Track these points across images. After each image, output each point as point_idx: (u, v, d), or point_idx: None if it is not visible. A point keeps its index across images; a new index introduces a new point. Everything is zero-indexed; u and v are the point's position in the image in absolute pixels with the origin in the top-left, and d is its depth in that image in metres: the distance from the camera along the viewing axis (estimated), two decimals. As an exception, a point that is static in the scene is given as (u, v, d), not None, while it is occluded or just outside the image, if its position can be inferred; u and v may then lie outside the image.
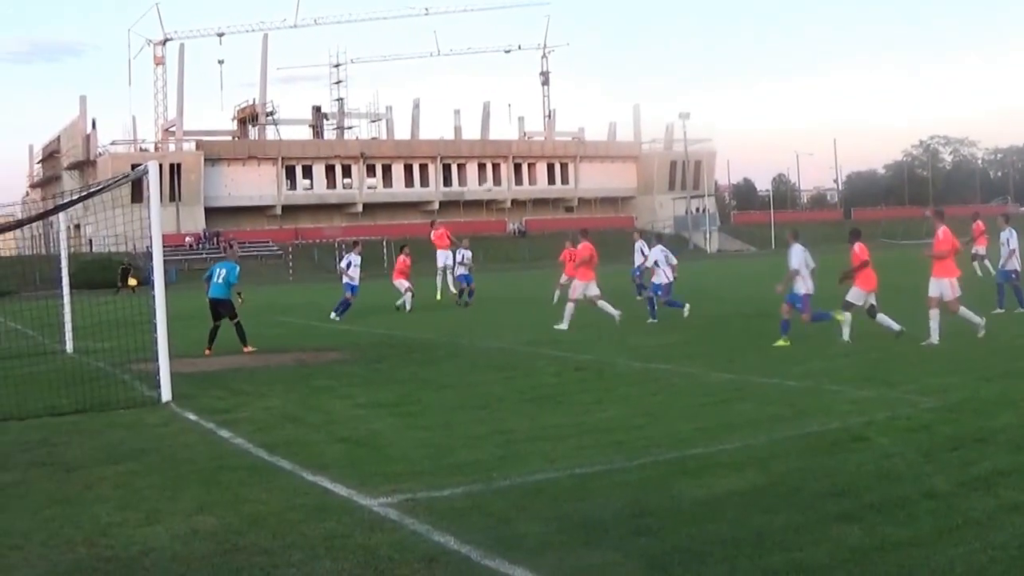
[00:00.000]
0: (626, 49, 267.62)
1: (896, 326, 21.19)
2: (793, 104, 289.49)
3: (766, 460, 10.82)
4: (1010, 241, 26.93)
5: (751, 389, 15.85)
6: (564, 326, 27.19)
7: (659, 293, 28.65)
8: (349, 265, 35.33)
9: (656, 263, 28.97)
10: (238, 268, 25.68)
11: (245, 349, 24.37)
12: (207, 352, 24.21)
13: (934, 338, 20.27)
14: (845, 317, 21.72)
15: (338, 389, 17.92)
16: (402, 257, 38.92)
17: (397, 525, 8.96)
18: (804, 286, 22.23)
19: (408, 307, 37.52)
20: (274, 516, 9.41)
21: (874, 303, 21.88)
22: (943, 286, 20.70)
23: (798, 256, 22.34)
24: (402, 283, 38.06)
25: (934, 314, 20.48)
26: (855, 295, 21.70)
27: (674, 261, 28.82)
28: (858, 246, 21.92)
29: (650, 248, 30.52)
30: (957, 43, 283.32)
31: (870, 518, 8.55)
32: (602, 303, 27.96)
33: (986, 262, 39.88)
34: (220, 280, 24.75)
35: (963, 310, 20.84)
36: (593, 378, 18.12)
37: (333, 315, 34.80)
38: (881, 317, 21.58)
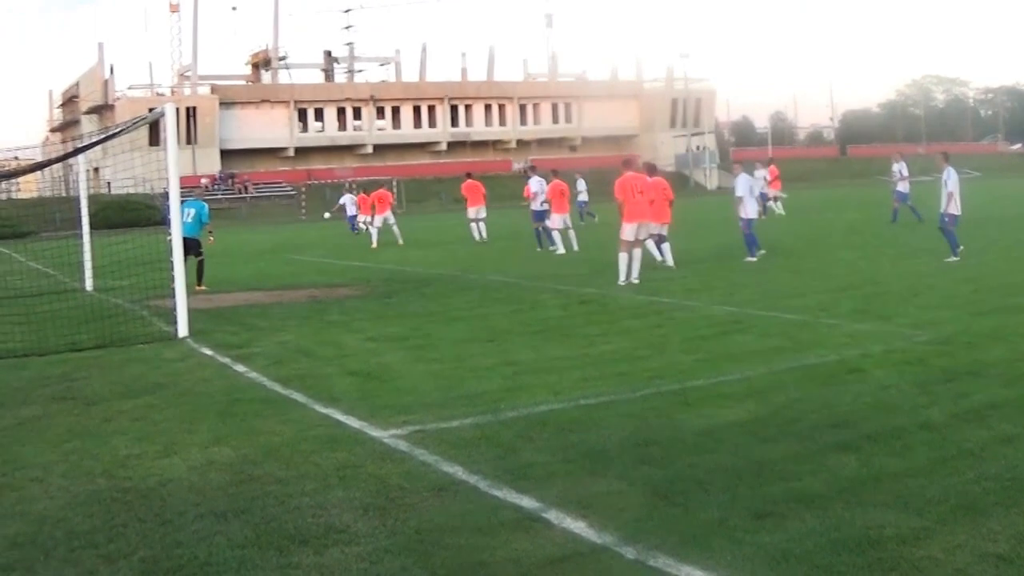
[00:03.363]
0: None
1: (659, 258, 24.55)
2: (790, 43, 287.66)
3: (765, 391, 10.78)
4: (947, 183, 24.05)
5: (750, 322, 15.79)
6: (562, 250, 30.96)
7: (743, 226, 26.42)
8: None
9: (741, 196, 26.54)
10: (207, 207, 25.53)
11: (197, 287, 24.04)
12: (199, 288, 23.99)
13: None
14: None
15: (349, 324, 17.87)
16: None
17: (407, 455, 8.93)
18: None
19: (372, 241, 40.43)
20: (288, 447, 9.39)
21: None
22: None
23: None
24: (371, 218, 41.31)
25: None
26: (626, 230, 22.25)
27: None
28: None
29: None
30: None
31: (866, 448, 8.49)
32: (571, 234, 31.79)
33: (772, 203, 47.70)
34: (190, 219, 24.13)
35: None
36: (597, 311, 18.08)
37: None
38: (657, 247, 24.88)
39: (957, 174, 24.15)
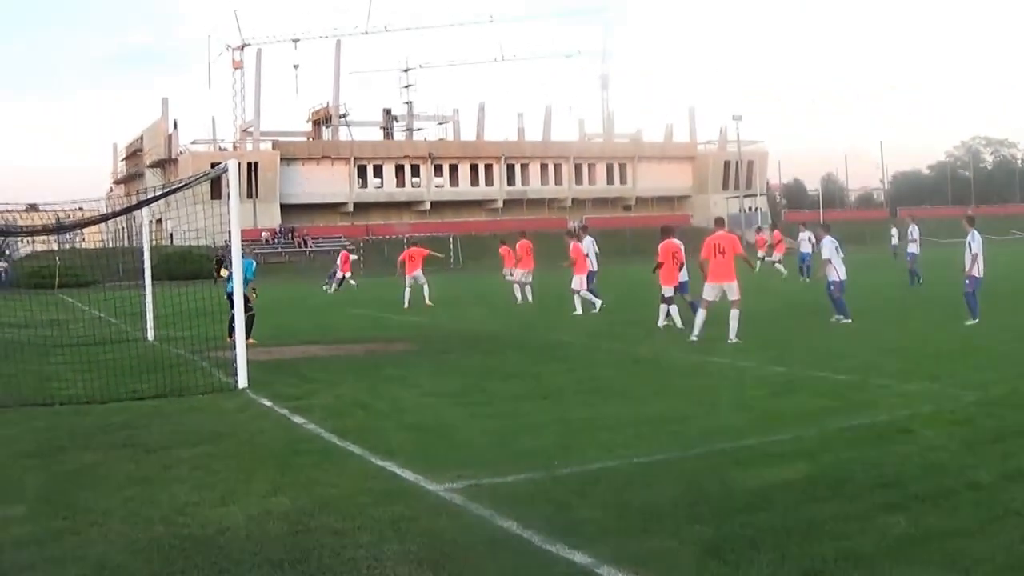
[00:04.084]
0: (681, 54, 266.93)
1: (679, 323, 24.69)
2: (841, 106, 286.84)
3: (816, 451, 10.74)
4: (972, 245, 23.95)
5: (802, 382, 15.73)
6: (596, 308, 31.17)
7: (831, 289, 25.86)
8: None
9: (830, 258, 25.91)
10: (254, 264, 25.62)
11: (228, 339, 23.61)
12: (249, 342, 23.77)
13: None
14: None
15: (406, 378, 17.89)
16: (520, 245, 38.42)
17: (462, 509, 8.96)
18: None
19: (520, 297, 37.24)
20: (344, 499, 9.42)
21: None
22: None
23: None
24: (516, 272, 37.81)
25: None
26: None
27: (842, 254, 26.10)
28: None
29: (817, 239, 30.82)
30: (995, 46, 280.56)
31: (915, 508, 8.47)
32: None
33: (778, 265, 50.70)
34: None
35: None
36: (650, 370, 18.08)
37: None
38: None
39: (981, 237, 24.17)
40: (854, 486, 9.28)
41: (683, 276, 26.09)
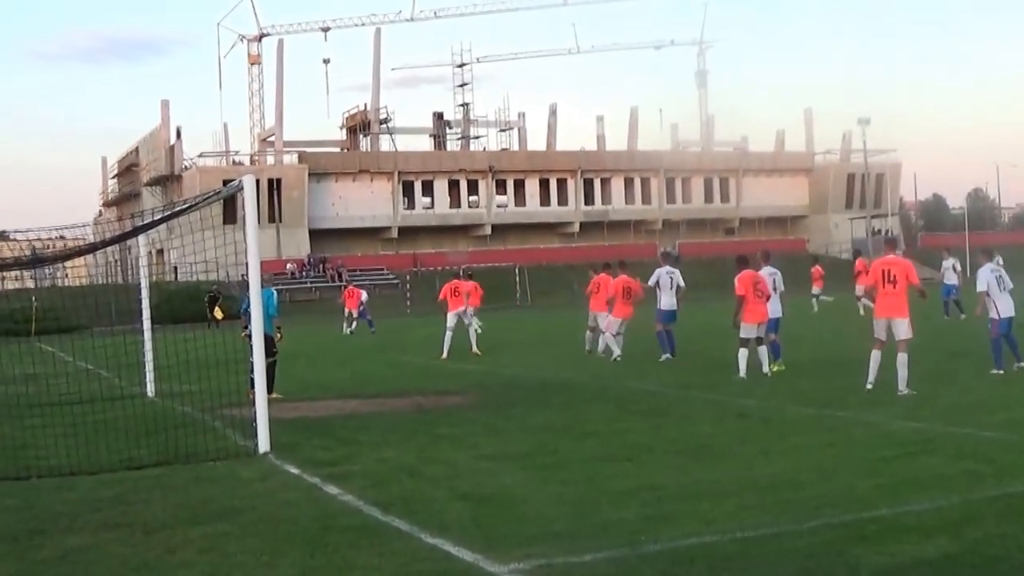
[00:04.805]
0: (795, 44, 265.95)
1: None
2: (993, 108, 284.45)
3: (959, 524, 10.71)
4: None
5: (941, 440, 15.66)
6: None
7: (991, 327, 24.96)
8: None
9: (988, 291, 24.82)
10: (276, 296, 25.46)
11: (269, 395, 23.20)
12: (271, 396, 23.36)
13: None
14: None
15: (462, 438, 17.98)
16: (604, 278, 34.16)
17: (530, 595, 9.01)
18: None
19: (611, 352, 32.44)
20: (388, 585, 9.45)
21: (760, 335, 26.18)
22: None
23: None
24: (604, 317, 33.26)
25: None
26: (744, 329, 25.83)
27: (1010, 285, 25.12)
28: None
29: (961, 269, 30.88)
30: None
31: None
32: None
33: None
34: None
35: None
36: (757, 426, 18.08)
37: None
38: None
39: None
40: (1007, 567, 9.27)
41: (775, 311, 26.97)
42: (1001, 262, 28.20)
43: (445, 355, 36.10)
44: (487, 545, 10.54)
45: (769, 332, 26.45)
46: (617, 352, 31.64)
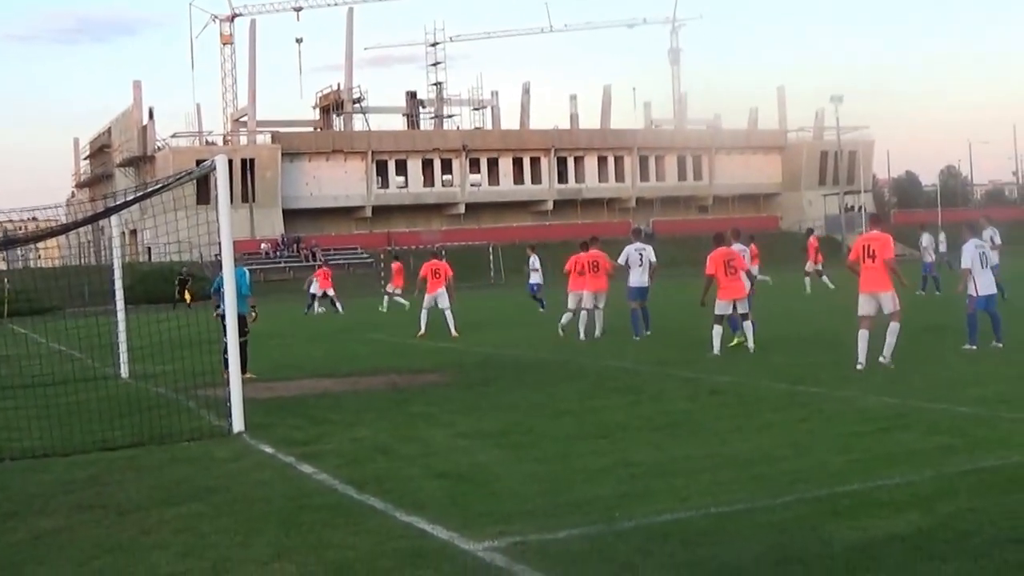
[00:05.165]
0: (768, 22, 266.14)
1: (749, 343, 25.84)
2: (965, 85, 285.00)
3: (932, 499, 10.76)
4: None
5: (915, 416, 15.70)
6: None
7: (967, 303, 24.84)
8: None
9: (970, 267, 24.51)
10: (248, 275, 25.24)
11: (243, 375, 23.10)
12: (244, 376, 23.25)
13: None
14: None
15: (437, 417, 18.01)
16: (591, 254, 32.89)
17: (505, 572, 9.03)
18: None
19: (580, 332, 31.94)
20: (363, 563, 9.50)
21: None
22: None
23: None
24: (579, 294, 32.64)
25: None
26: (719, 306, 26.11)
27: (994, 262, 25.69)
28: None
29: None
30: None
31: (1055, 568, 8.47)
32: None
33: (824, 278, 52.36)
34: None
35: None
36: (731, 403, 18.13)
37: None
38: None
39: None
40: (979, 541, 9.27)
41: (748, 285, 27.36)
42: (997, 233, 28.40)
43: (423, 331, 36.21)
44: (462, 523, 10.56)
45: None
46: (579, 329, 31.75)
